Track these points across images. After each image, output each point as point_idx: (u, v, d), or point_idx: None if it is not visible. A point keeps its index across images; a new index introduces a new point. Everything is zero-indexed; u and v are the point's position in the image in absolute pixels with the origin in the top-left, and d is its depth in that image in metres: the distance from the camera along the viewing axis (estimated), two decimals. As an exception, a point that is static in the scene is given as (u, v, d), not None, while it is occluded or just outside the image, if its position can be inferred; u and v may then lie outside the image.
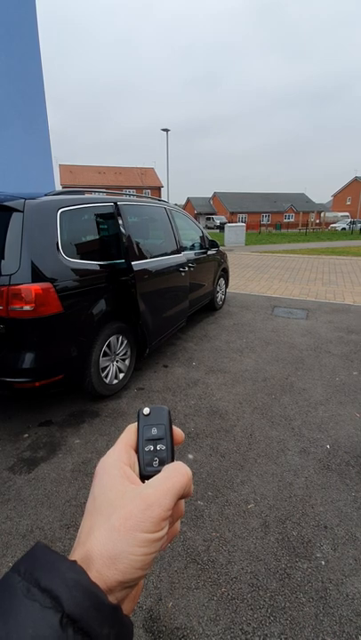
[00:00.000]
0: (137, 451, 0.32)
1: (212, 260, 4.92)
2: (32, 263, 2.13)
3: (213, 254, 4.92)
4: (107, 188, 29.84)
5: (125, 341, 2.97)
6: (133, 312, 2.89)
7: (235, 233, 18.15)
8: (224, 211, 51.02)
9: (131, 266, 2.75)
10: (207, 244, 4.71)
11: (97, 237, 2.87)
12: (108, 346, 2.77)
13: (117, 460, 0.31)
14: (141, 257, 3.06)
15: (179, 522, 0.32)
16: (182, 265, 3.79)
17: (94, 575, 0.24)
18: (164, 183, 47.47)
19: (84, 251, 2.59)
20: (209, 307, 5.23)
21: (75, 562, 0.24)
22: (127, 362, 3.05)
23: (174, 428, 0.34)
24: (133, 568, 0.25)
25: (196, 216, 46.53)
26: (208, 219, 45.53)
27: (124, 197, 3.30)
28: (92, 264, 2.60)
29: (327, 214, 43.21)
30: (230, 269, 6.87)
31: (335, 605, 1.35)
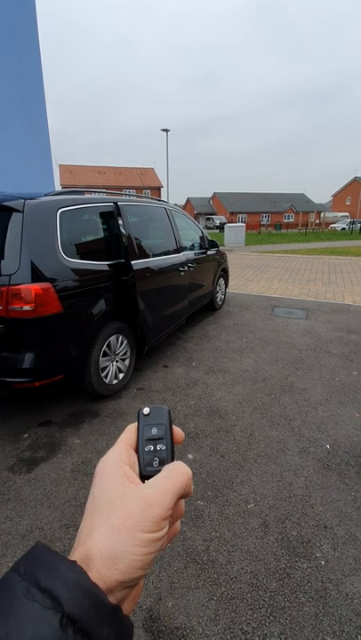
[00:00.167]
0: (137, 450, 0.32)
1: (212, 260, 4.92)
2: (32, 263, 2.12)
3: (213, 254, 4.92)
4: (106, 189, 29.83)
5: (125, 341, 2.97)
6: (133, 311, 2.89)
7: (234, 233, 18.15)
8: (224, 211, 51.02)
9: (130, 265, 2.76)
10: (207, 244, 4.71)
11: (97, 237, 2.87)
12: (108, 346, 2.77)
13: (117, 459, 0.31)
14: (141, 256, 3.07)
15: (179, 522, 0.32)
16: (182, 265, 3.79)
17: (94, 575, 0.24)
18: (163, 183, 47.50)
19: (83, 251, 2.59)
20: (209, 307, 5.23)
21: (75, 562, 0.24)
22: (127, 362, 3.05)
23: (174, 427, 0.34)
24: (133, 568, 0.25)
25: (196, 216, 46.53)
26: (208, 219, 45.53)
27: (123, 197, 3.30)
28: (92, 264, 2.60)
29: (327, 214, 43.22)
30: (230, 269, 6.87)
31: (335, 605, 1.35)
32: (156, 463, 0.31)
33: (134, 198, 3.61)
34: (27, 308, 2.09)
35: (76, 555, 0.26)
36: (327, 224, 38.80)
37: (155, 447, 0.32)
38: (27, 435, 2.42)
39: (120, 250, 2.83)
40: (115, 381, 2.91)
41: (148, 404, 0.34)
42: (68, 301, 2.31)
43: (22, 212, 2.14)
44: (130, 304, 2.86)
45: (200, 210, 53.60)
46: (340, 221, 38.89)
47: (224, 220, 42.35)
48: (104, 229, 2.89)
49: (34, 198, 2.25)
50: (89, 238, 2.79)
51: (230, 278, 7.22)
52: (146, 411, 0.33)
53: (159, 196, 32.38)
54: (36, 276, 2.14)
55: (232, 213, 49.40)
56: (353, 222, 32.31)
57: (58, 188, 6.04)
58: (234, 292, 6.86)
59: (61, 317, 2.27)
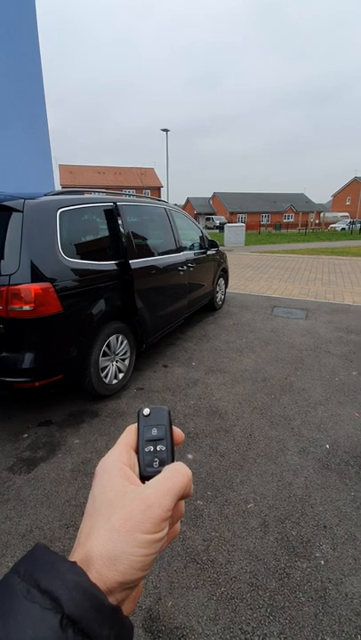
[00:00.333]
0: (137, 451, 0.32)
1: (212, 260, 4.92)
2: (31, 263, 2.12)
3: (213, 254, 4.92)
4: (106, 189, 29.84)
5: (125, 341, 2.97)
6: (131, 309, 2.90)
7: (234, 233, 18.15)
8: (224, 211, 51.02)
9: (129, 265, 2.76)
10: (207, 244, 4.71)
11: (96, 237, 2.87)
12: (108, 346, 2.77)
13: (117, 460, 0.31)
14: (140, 256, 3.08)
15: (179, 522, 0.32)
16: (181, 264, 3.79)
17: (94, 576, 0.24)
18: (163, 183, 47.49)
19: (83, 250, 2.59)
20: (208, 307, 5.23)
21: (75, 563, 0.24)
22: (127, 362, 3.05)
23: (174, 428, 0.34)
24: (133, 569, 0.25)
25: (196, 216, 46.52)
26: (208, 219, 45.52)
27: (123, 197, 3.30)
28: (92, 264, 2.60)
29: (327, 214, 43.23)
30: (230, 269, 6.87)
31: (335, 605, 1.35)
32: (156, 464, 0.31)
33: (134, 198, 3.61)
34: (26, 307, 2.09)
35: (75, 555, 0.26)
36: (327, 224, 38.80)
37: (155, 448, 0.32)
38: (26, 435, 2.42)
39: (119, 249, 2.83)
40: (114, 381, 2.91)
41: (147, 405, 0.35)
42: (67, 301, 2.31)
43: (22, 211, 2.14)
44: (129, 303, 2.87)
45: (200, 210, 53.59)
46: (340, 221, 38.89)
47: (224, 220, 42.34)
48: (103, 229, 2.89)
49: (34, 198, 2.25)
50: (89, 238, 2.79)
51: (230, 278, 7.23)
52: (146, 411, 0.33)
53: (159, 196, 32.35)
54: (36, 275, 2.14)
55: (232, 213, 49.39)
56: (353, 222, 32.31)
57: (58, 188, 6.03)
58: (234, 291, 6.86)
59: (61, 317, 2.27)
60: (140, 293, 2.96)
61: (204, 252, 4.62)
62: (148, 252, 3.33)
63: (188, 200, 58.95)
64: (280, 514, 1.76)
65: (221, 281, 5.52)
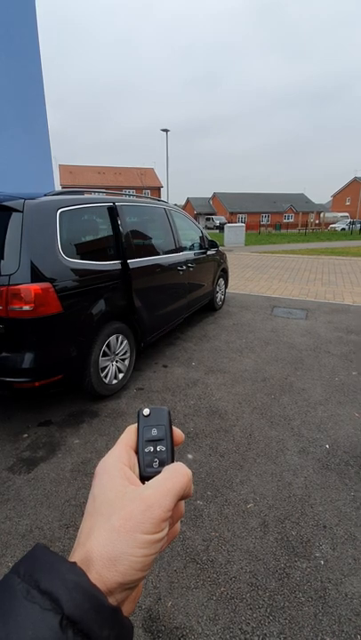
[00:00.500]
0: (137, 452, 0.32)
1: (212, 261, 4.92)
2: (31, 263, 2.12)
3: (213, 254, 4.92)
4: (106, 189, 29.83)
5: (125, 341, 2.97)
6: (130, 309, 2.90)
7: (234, 233, 18.15)
8: (224, 211, 51.01)
9: (127, 264, 2.77)
10: (207, 244, 4.71)
11: (96, 237, 2.87)
12: (108, 346, 2.77)
13: (117, 460, 0.31)
14: (139, 256, 3.09)
15: (179, 523, 0.32)
16: (181, 264, 3.79)
17: (94, 577, 0.24)
18: (163, 183, 47.48)
19: (83, 250, 2.59)
20: (208, 307, 5.23)
21: (74, 563, 0.24)
22: (127, 362, 3.05)
23: (174, 428, 0.34)
24: (133, 569, 0.25)
25: (196, 216, 46.52)
26: (208, 219, 45.51)
27: (123, 198, 3.30)
28: (92, 264, 2.60)
29: (327, 214, 43.22)
30: (230, 269, 6.87)
31: (334, 605, 1.35)
32: (156, 464, 0.31)
33: (133, 198, 3.62)
34: (26, 308, 2.09)
35: (75, 556, 0.26)
36: (327, 224, 38.80)
37: (155, 448, 0.32)
38: (26, 435, 2.42)
39: (119, 249, 2.84)
40: (114, 381, 2.91)
41: (147, 405, 0.34)
42: (67, 301, 2.31)
43: (22, 211, 2.14)
44: (129, 303, 2.87)
45: (200, 210, 53.60)
46: (340, 222, 38.89)
47: (224, 220, 42.34)
48: (103, 229, 2.89)
49: (34, 198, 2.25)
50: (88, 238, 2.80)
51: (230, 278, 7.23)
52: (146, 412, 0.33)
53: (159, 196, 32.38)
54: (36, 276, 2.14)
55: (232, 213, 49.39)
56: (353, 222, 32.30)
57: (58, 188, 6.04)
58: (234, 292, 6.86)
59: (61, 317, 2.27)
60: (138, 293, 2.97)
61: (204, 253, 4.62)
62: (147, 252, 3.33)
63: (188, 200, 58.94)
64: (280, 514, 1.76)
65: (221, 281, 5.52)
